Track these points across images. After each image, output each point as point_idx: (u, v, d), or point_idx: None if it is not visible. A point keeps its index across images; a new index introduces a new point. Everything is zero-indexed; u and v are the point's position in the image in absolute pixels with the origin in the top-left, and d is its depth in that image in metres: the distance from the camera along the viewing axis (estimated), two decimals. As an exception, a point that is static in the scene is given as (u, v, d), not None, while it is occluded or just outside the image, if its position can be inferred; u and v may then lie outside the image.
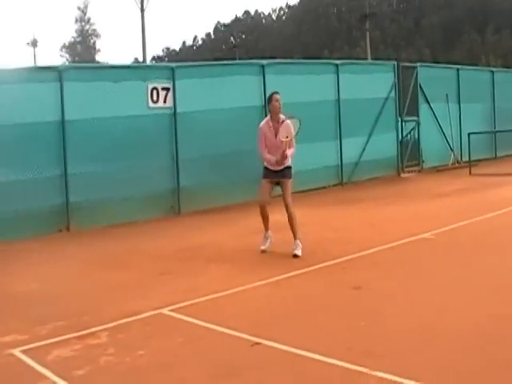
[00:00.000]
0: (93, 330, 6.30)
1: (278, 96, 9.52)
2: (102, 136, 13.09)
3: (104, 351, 5.68)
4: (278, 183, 9.64)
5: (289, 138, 9.35)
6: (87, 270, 9.36)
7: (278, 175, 9.54)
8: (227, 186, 14.72)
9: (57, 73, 12.82)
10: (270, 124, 9.47)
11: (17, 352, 5.78)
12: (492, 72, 24.74)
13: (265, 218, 9.62)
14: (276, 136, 9.42)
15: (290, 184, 9.60)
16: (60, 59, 74.48)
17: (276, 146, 9.40)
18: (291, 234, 9.27)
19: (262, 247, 9.59)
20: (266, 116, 9.69)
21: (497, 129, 23.29)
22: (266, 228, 9.70)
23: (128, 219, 13.07)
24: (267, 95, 15.28)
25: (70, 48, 76.20)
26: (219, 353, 5.52)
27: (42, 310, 7.22)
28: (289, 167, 9.60)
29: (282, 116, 9.52)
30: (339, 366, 4.96)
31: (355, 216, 12.43)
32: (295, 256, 9.09)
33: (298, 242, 9.24)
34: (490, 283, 7.19)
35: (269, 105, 9.67)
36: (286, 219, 9.41)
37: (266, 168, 9.61)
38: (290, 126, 9.43)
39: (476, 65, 44.03)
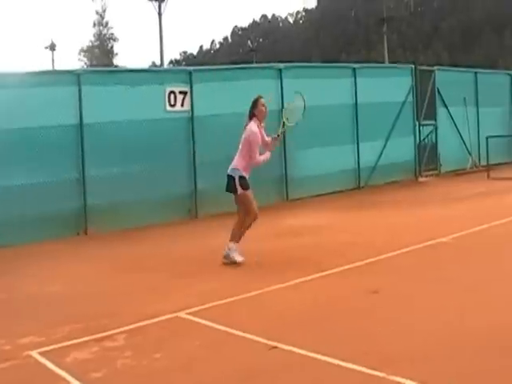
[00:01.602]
0: (110, 332, 6.31)
1: (263, 100, 9.46)
2: (120, 139, 13.14)
3: (121, 354, 5.70)
4: None
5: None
6: (105, 272, 9.40)
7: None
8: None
9: (75, 76, 12.89)
10: (259, 127, 9.39)
11: (35, 354, 5.81)
12: (510, 75, 24.58)
13: (248, 229, 9.41)
14: (263, 137, 9.45)
15: None
16: (78, 63, 74.74)
17: (264, 147, 9.46)
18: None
19: (241, 259, 9.21)
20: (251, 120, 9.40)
21: (515, 132, 23.17)
22: (240, 239, 9.36)
23: (146, 222, 13.10)
24: (284, 98, 15.59)
25: (88, 52, 76.42)
26: (236, 356, 5.51)
27: (61, 312, 7.26)
28: None
29: None
30: (356, 370, 4.94)
31: (373, 220, 12.39)
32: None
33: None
34: (510, 288, 7.15)
35: (254, 109, 9.43)
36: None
37: (245, 178, 9.36)
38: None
39: (494, 68, 43.79)
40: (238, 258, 9.16)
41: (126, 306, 7.42)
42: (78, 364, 5.52)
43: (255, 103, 9.41)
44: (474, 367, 4.89)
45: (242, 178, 9.27)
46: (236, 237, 9.26)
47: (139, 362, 5.49)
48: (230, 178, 9.30)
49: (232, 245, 9.20)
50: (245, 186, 9.26)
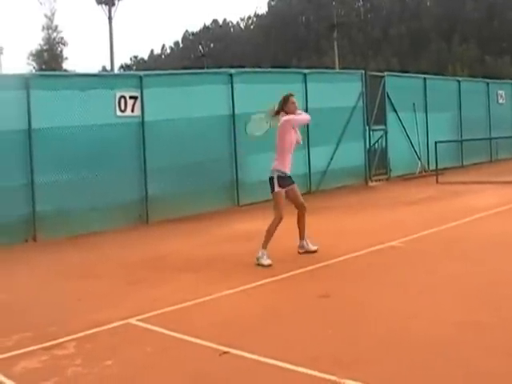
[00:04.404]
0: (60, 340, 6.24)
1: (294, 98, 9.80)
2: (69, 145, 12.99)
3: (71, 362, 5.63)
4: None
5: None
6: (55, 280, 9.28)
7: (290, 180, 9.97)
8: (196, 194, 14.71)
9: (23, 80, 12.71)
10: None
11: (-18, 363, 5.71)
12: (458, 81, 25.01)
13: (273, 234, 9.47)
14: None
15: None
16: (27, 67, 73.57)
17: (293, 145, 10.00)
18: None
19: (269, 262, 9.11)
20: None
21: (463, 137, 23.55)
22: (266, 245, 9.33)
23: (96, 228, 12.99)
24: (235, 104, 15.61)
25: (37, 56, 75.20)
26: (188, 362, 5.50)
27: (9, 321, 7.15)
28: None
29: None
30: (308, 374, 4.97)
31: (323, 224, 12.43)
32: (315, 251, 9.67)
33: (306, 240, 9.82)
34: (457, 291, 7.25)
35: (285, 106, 9.75)
36: (296, 220, 10.05)
37: (281, 176, 9.81)
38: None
39: (443, 74, 44.42)
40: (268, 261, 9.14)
41: (76, 313, 7.33)
42: (26, 373, 5.45)
43: (285, 100, 9.80)
44: (419, 370, 4.96)
45: (279, 177, 9.88)
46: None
47: (90, 370, 5.43)
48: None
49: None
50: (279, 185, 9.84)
